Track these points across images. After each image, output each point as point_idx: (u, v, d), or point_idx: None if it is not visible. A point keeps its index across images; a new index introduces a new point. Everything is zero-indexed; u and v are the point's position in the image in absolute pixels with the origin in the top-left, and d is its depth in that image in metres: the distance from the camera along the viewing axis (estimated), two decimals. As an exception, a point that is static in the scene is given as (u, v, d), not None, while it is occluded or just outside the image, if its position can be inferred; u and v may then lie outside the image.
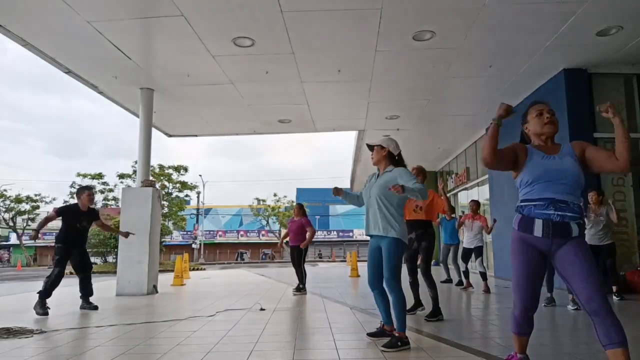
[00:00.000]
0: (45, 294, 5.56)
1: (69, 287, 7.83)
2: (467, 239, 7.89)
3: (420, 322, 4.62)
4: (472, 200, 8.33)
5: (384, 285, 3.59)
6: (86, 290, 6.05)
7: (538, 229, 2.34)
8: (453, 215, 8.74)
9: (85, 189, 6.21)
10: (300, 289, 7.72)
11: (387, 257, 3.51)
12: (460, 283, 8.77)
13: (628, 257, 7.35)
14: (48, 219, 6.06)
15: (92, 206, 6.26)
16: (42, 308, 5.47)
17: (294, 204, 42.05)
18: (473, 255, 7.82)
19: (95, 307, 5.95)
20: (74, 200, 6.33)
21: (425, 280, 5.04)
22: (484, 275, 7.62)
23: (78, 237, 6.01)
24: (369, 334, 3.84)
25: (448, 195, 5.83)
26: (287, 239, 8.11)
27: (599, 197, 6.03)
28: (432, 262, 5.18)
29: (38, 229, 6.07)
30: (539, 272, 2.43)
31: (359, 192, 3.90)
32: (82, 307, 5.96)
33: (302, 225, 7.75)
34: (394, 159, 3.71)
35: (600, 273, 2.30)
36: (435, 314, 4.74)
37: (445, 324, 4.51)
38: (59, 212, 6.03)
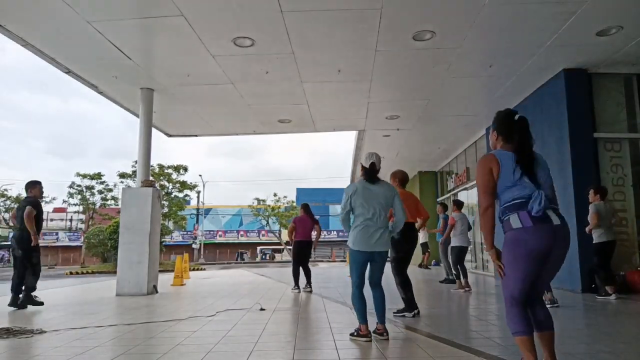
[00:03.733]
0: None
1: (68, 287, 7.86)
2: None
3: (418, 321, 4.62)
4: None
5: None
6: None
7: None
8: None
9: (38, 183, 6.34)
10: (306, 287, 7.78)
11: None
12: (447, 281, 9.07)
13: (628, 257, 7.35)
14: (33, 215, 5.95)
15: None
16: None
17: (294, 204, 41.74)
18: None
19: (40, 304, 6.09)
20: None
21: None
22: (457, 276, 7.62)
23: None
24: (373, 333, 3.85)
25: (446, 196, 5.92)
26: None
27: (595, 195, 6.36)
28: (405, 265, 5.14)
29: (36, 232, 5.95)
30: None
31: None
32: (24, 304, 5.98)
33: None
34: (366, 171, 3.88)
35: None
36: (401, 310, 4.97)
37: (444, 323, 4.51)
38: (35, 205, 6.03)
